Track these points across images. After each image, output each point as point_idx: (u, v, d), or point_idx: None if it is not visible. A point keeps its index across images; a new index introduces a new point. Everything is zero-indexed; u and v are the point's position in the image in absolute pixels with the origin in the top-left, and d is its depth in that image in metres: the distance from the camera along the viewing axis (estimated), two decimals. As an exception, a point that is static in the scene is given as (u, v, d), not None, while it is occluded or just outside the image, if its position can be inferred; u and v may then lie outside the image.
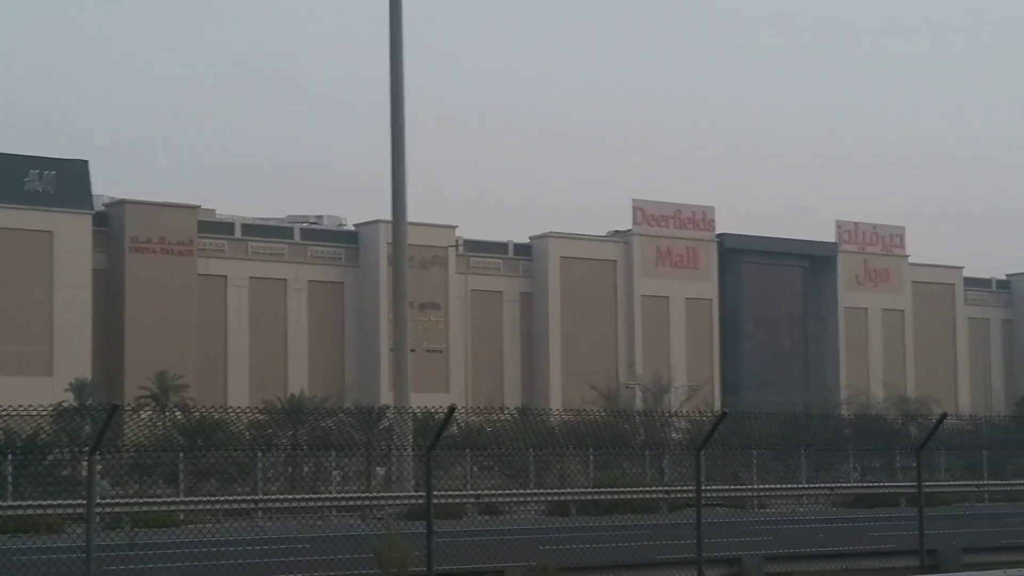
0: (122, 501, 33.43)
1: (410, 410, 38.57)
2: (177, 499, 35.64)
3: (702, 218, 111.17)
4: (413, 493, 35.86)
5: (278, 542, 26.96)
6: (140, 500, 34.07)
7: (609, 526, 35.72)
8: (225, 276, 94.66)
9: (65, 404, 58.91)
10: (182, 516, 35.76)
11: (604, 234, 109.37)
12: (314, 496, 38.53)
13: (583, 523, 38.24)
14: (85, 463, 18.95)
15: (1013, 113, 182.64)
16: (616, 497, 40.93)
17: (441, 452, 26.14)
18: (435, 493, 20.40)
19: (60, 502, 31.15)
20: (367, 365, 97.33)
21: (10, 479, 33.36)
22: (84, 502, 19.28)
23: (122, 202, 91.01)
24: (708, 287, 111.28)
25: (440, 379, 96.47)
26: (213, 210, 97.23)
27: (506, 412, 29.13)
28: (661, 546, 27.26)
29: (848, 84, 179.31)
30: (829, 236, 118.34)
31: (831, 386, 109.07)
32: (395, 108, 45.97)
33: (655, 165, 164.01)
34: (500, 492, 40.81)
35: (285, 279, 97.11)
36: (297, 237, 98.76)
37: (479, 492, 39.25)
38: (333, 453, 41.59)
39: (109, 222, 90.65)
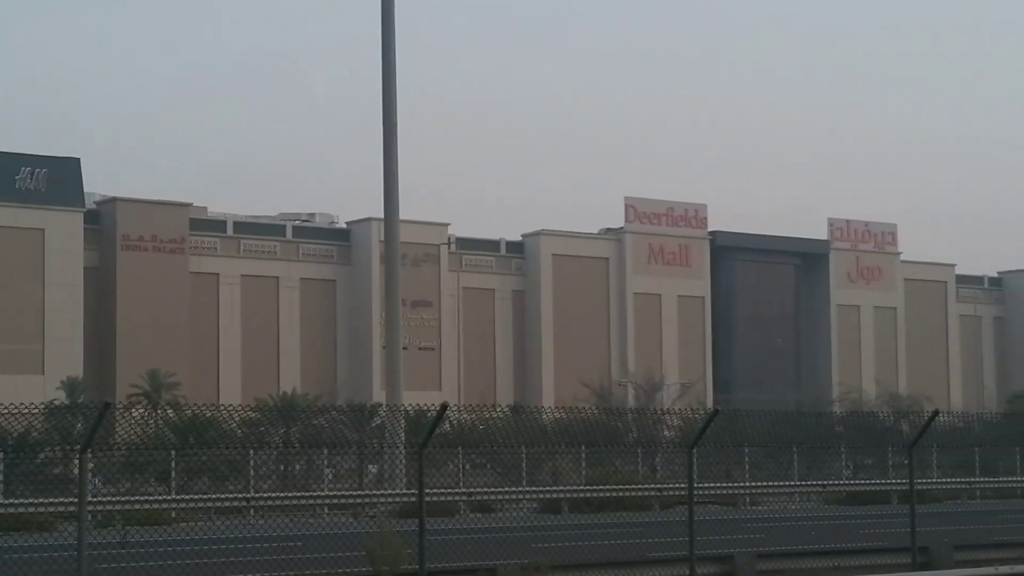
0: (114, 499, 33.42)
1: (402, 408, 38.62)
2: (169, 497, 35.63)
3: (694, 216, 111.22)
4: (405, 491, 35.83)
5: (270, 540, 26.91)
6: (132, 498, 34.07)
7: (601, 524, 35.72)
8: (217, 274, 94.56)
9: (57, 402, 58.82)
10: (174, 514, 35.72)
11: (596, 232, 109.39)
12: (306, 494, 38.55)
13: (575, 521, 38.24)
14: (77, 461, 18.91)
15: (1005, 112, 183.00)
16: (608, 495, 40.97)
17: (433, 450, 26.13)
18: (427, 491, 20.39)
19: (52, 500, 31.12)
20: (359, 363, 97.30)
21: (1, 477, 33.28)
22: (76, 500, 19.25)
23: (114, 200, 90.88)
24: (700, 285, 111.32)
25: (432, 377, 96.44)
26: (205, 208, 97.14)
27: (498, 410, 29.15)
28: (653, 544, 27.25)
29: (840, 83, 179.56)
30: (821, 234, 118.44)
31: (823, 384, 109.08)
32: (387, 106, 45.94)
33: (647, 163, 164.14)
34: (492, 490, 40.85)
35: (277, 277, 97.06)
36: (289, 235, 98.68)
37: (471, 490, 39.30)
38: (325, 451, 41.56)
39: (101, 220, 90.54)
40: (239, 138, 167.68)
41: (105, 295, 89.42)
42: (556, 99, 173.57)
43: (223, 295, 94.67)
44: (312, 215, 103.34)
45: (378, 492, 37.47)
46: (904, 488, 40.60)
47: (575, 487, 41.92)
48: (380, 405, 50.43)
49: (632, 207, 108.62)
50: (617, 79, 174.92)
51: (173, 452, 38.16)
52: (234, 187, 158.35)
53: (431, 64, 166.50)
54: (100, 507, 32.48)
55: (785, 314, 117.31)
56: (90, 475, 31.85)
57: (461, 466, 41.33)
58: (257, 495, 36.35)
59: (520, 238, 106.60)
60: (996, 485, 50.61)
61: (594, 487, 41.61)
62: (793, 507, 45.91)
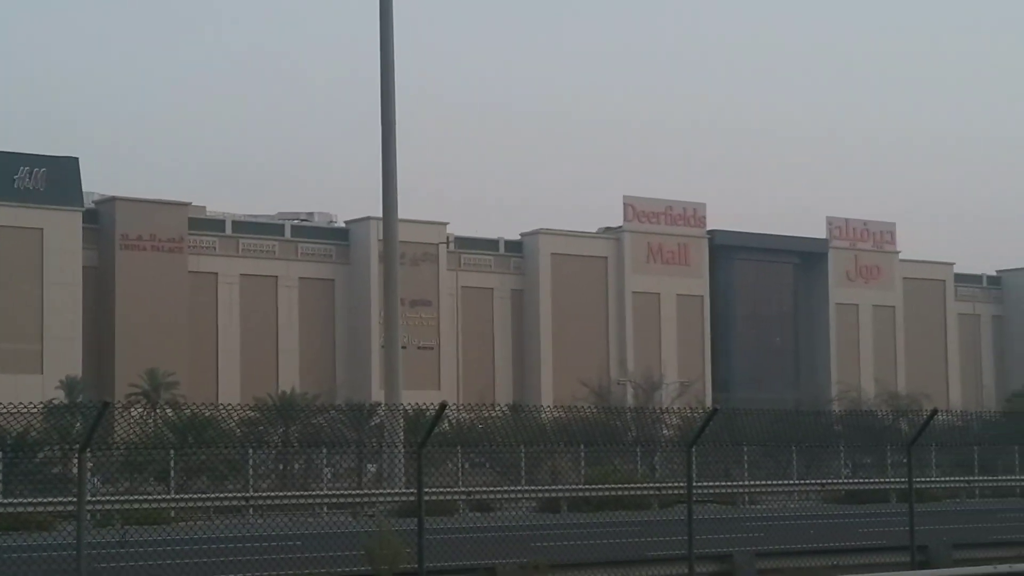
0: (113, 499, 33.41)
1: (401, 407, 38.62)
2: (168, 496, 35.64)
3: (693, 215, 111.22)
4: (404, 490, 35.83)
5: (269, 539, 26.92)
6: (131, 497, 34.06)
7: (600, 523, 35.71)
8: (216, 273, 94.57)
9: (56, 401, 58.78)
10: (173, 513, 35.73)
11: (595, 231, 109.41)
12: (305, 493, 38.54)
13: (574, 520, 38.26)
14: (76, 460, 18.91)
15: (1004, 111, 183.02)
16: (607, 494, 40.98)
17: (432, 449, 26.13)
18: (426, 490, 20.39)
19: (51, 499, 31.12)
20: (358, 362, 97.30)
21: (0, 477, 33.28)
22: (75, 499, 19.25)
23: (112, 199, 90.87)
24: (699, 284, 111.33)
25: (431, 376, 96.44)
26: (204, 207, 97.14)
27: (497, 409, 29.21)
28: (652, 543, 27.25)
29: (839, 82, 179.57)
30: (820, 233, 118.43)
31: (822, 382, 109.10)
32: (386, 105, 45.95)
33: (646, 162, 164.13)
34: (491, 489, 40.86)
35: (276, 276, 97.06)
36: (288, 234, 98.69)
37: (470, 489, 39.30)
38: (324, 450, 41.55)
39: (99, 219, 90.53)
40: (238, 137, 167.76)
41: (104, 294, 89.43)
42: (555, 98, 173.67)
43: (222, 294, 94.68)
44: (311, 214, 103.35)
45: (377, 491, 37.47)
46: (903, 487, 40.63)
47: (574, 486, 41.94)
48: (379, 404, 50.42)
49: (631, 206, 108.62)
50: (616, 79, 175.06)
51: (172, 451, 38.15)
52: (233, 186, 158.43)
53: (430, 63, 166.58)
54: (99, 506, 32.46)
55: (784, 313, 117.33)
56: (89, 474, 31.86)
57: (460, 465, 41.34)
58: (256, 494, 36.35)
59: (519, 237, 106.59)
60: (995, 484, 50.64)
61: (593, 486, 41.62)
62: (792, 506, 45.93)
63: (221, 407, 24.28)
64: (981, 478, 50.20)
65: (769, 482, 44.97)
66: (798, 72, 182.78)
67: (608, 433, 41.10)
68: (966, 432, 45.97)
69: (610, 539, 30.37)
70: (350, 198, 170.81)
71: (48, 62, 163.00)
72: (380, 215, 48.28)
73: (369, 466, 45.40)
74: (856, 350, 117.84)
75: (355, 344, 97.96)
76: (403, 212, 49.09)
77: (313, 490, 39.97)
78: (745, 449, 42.47)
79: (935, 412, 25.69)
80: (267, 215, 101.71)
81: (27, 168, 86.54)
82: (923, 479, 44.66)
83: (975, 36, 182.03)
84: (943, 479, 48.81)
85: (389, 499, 36.08)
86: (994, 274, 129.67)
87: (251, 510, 36.25)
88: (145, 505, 34.14)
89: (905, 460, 26.67)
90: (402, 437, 38.40)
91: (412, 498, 26.04)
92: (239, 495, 35.79)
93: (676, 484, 39.56)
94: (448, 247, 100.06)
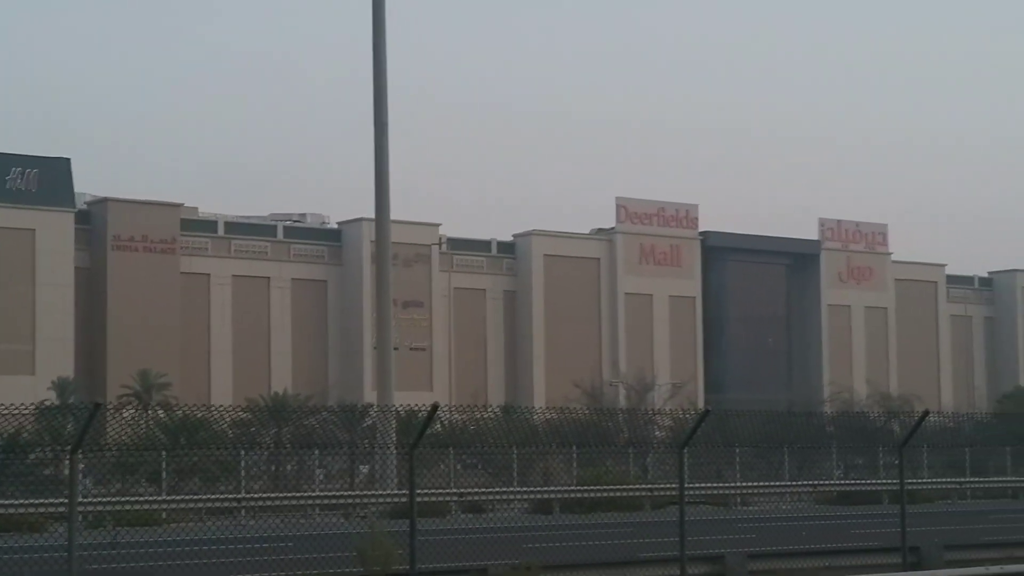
0: (104, 500, 33.38)
1: (393, 408, 38.56)
2: (160, 498, 35.59)
3: (685, 216, 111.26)
4: (396, 491, 35.85)
5: (261, 541, 26.89)
6: (123, 499, 34.01)
7: (592, 524, 35.73)
8: (208, 274, 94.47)
9: (47, 402, 58.80)
10: (165, 515, 35.71)
11: (588, 232, 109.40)
12: (297, 495, 38.51)
13: (566, 521, 38.27)
14: (67, 462, 18.89)
15: (997, 113, 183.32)
16: (600, 495, 40.99)
17: (424, 450, 26.13)
18: (418, 491, 20.40)
19: (42, 501, 31.06)
20: (350, 363, 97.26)
21: (-8, 478, 33.21)
22: (66, 501, 19.23)
23: (104, 200, 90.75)
24: (691, 285, 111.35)
25: (423, 377, 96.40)
26: (196, 208, 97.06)
27: (489, 410, 29.15)
28: (644, 544, 27.27)
29: (832, 84, 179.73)
30: (812, 234, 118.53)
31: (814, 384, 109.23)
32: (378, 106, 45.96)
33: (639, 163, 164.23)
34: (483, 490, 40.85)
35: (268, 277, 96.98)
36: (280, 235, 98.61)
37: (462, 490, 39.26)
38: (316, 451, 41.54)
39: (91, 220, 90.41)
40: (230, 138, 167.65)
41: (96, 295, 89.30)
42: (547, 100, 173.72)
43: (214, 295, 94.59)
44: (303, 215, 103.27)
45: (369, 492, 37.49)
46: (895, 488, 40.58)
47: (566, 487, 41.94)
48: (371, 405, 50.45)
49: (623, 207, 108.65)
50: (609, 80, 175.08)
51: (164, 453, 38.14)
52: (225, 187, 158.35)
53: (423, 65, 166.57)
54: (91, 508, 32.44)
55: (776, 314, 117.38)
56: (81, 476, 31.84)
57: (452, 466, 41.34)
58: (248, 496, 36.31)
59: (511, 238, 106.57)
60: (986, 485, 50.72)
61: (585, 487, 41.63)
62: (784, 507, 45.93)
63: (213, 408, 24.27)
64: (973, 479, 50.26)
65: (761, 483, 44.98)
66: (790, 74, 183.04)
67: (600, 434, 41.13)
68: (958, 433, 46.04)
69: (602, 540, 30.37)
70: (342, 199, 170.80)
71: (40, 63, 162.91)
72: (372, 216, 48.30)
73: (361, 467, 45.40)
74: (848, 351, 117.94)
75: (347, 345, 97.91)
76: (395, 213, 49.09)
77: (305, 491, 39.95)
78: (737, 450, 42.49)
79: (927, 413, 25.71)
80: (259, 216, 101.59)
81: (19, 169, 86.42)
82: (915, 480, 44.67)
83: (969, 38, 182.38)
84: (935, 480, 48.85)
85: (381, 500, 36.07)
86: (986, 276, 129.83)
87: (243, 511, 36.22)
88: (137, 506, 34.10)
89: (897, 461, 26.67)
90: (394, 438, 38.32)
91: (404, 499, 26.05)
92: (231, 496, 35.75)
93: (668, 485, 39.57)
94: (440, 248, 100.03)
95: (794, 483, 45.68)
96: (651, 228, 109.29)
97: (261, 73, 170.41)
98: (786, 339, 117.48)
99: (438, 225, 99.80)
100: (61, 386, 78.98)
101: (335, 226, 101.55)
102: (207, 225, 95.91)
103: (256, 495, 36.78)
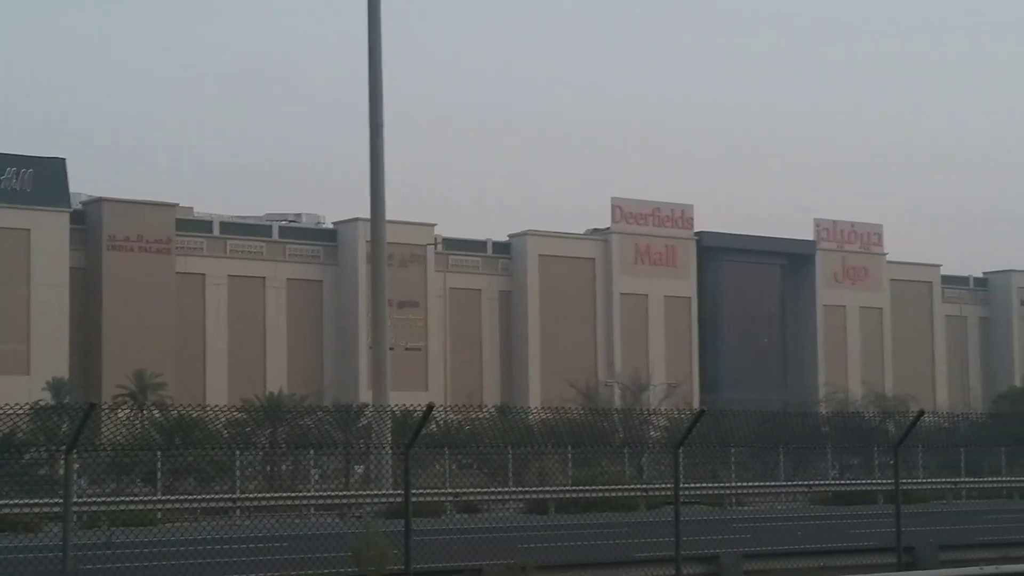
0: (100, 500, 33.35)
1: (389, 408, 38.59)
2: (155, 498, 35.58)
3: (681, 216, 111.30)
4: (391, 491, 35.81)
5: (256, 541, 26.89)
6: (118, 499, 33.99)
7: (588, 524, 35.75)
8: (203, 274, 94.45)
9: (42, 403, 58.64)
10: (160, 515, 35.69)
11: (583, 232, 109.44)
12: (293, 495, 38.50)
13: (562, 521, 38.27)
14: (62, 462, 18.87)
15: (992, 113, 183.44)
16: (595, 495, 41.01)
17: (420, 450, 26.12)
18: (413, 491, 20.38)
19: (37, 501, 31.04)
20: (346, 363, 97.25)
21: (-13, 478, 33.19)
22: (61, 501, 19.22)
23: (99, 200, 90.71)
24: (687, 285, 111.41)
25: (419, 377, 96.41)
26: (191, 208, 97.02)
27: (485, 410, 29.21)
28: (640, 544, 27.27)
29: (827, 85, 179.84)
30: (807, 234, 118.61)
31: (809, 384, 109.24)
32: (374, 106, 45.91)
33: (634, 163, 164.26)
34: (479, 490, 40.87)
35: (264, 277, 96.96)
36: (276, 235, 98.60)
37: (458, 490, 39.30)
38: (312, 451, 41.54)
39: (86, 220, 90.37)
40: (225, 138, 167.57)
41: (91, 295, 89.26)
42: (542, 100, 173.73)
43: (209, 295, 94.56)
44: (299, 215, 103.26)
45: (364, 493, 37.45)
46: (890, 488, 40.69)
47: (562, 487, 41.94)
48: (366, 405, 50.40)
49: (618, 207, 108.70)
50: (604, 80, 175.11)
51: (159, 453, 38.11)
52: (220, 187, 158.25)
53: (418, 66, 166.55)
54: (86, 508, 32.41)
55: (771, 314, 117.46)
56: (76, 476, 31.77)
57: (448, 467, 41.35)
58: (243, 496, 36.31)
59: (507, 238, 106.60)
60: (981, 485, 50.75)
61: (581, 487, 41.64)
62: (779, 507, 45.97)
63: (208, 408, 24.26)
64: (968, 479, 50.30)
65: (756, 483, 45.02)
66: (785, 75, 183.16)
67: (596, 434, 41.14)
68: (953, 434, 46.06)
69: (597, 540, 30.39)
70: (338, 199, 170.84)
71: (35, 63, 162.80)
72: (368, 216, 48.24)
73: (356, 467, 45.39)
74: (843, 351, 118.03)
75: (343, 345, 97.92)
76: (391, 213, 49.05)
77: (301, 491, 39.95)
78: (732, 450, 42.53)
79: (922, 413, 25.73)
80: (255, 216, 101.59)
81: (14, 169, 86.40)
82: (910, 480, 44.74)
83: (963, 39, 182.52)
84: (930, 480, 48.89)
85: (376, 500, 36.06)
86: (981, 276, 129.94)
87: (238, 511, 36.22)
88: (132, 506, 34.08)
89: (892, 461, 26.70)
90: (389, 438, 38.40)
91: (399, 499, 26.00)
92: (226, 496, 35.75)
93: (663, 485, 39.60)
94: (436, 248, 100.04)
95: (789, 483, 45.73)
96: (646, 228, 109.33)
97: (257, 73, 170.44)
98: (781, 339, 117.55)
99: (434, 225, 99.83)
100: (56, 386, 78.95)
101: (331, 226, 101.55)
102: (203, 225, 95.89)
103: (251, 495, 36.79)
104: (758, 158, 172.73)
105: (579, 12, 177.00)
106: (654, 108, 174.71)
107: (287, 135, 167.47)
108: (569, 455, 42.53)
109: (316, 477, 43.38)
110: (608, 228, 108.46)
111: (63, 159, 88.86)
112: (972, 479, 50.31)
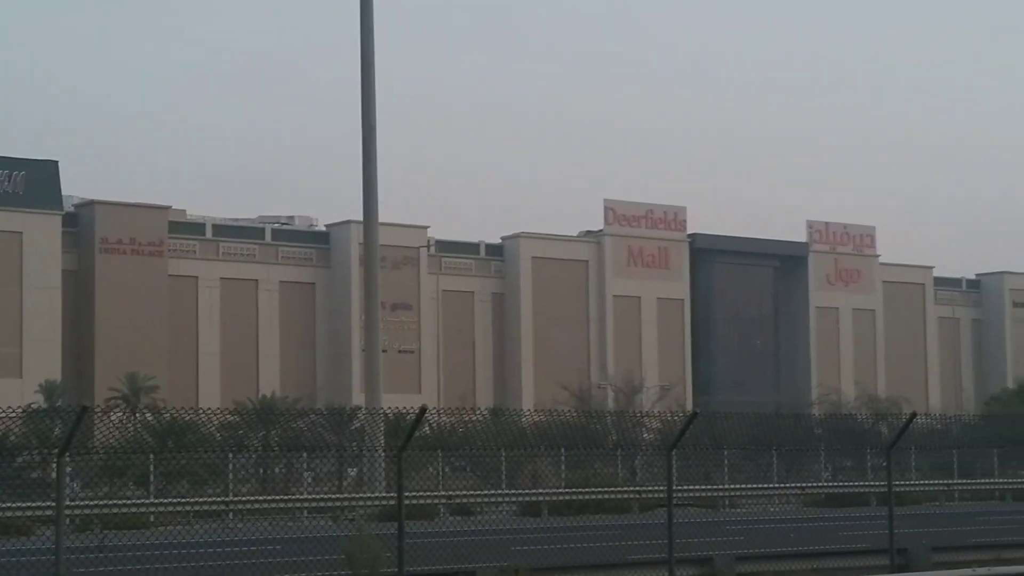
0: (92, 503, 33.28)
1: (382, 411, 38.56)
2: (148, 501, 35.52)
3: (674, 218, 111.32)
4: (384, 494, 35.80)
5: (249, 544, 26.87)
6: (110, 502, 33.92)
7: (581, 526, 35.74)
8: (196, 277, 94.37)
9: (35, 406, 58.56)
10: (153, 518, 35.63)
11: (576, 234, 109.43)
12: (285, 497, 38.44)
13: (555, 523, 38.26)
14: (55, 465, 18.85)
15: (984, 116, 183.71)
16: (588, 497, 40.96)
17: (413, 453, 26.13)
18: (406, 494, 20.40)
19: (29, 504, 30.98)
20: (338, 366, 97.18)
21: (-21, 481, 33.13)
22: (53, 504, 19.19)
23: (92, 203, 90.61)
24: (680, 287, 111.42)
25: (412, 380, 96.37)
26: (184, 210, 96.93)
27: (478, 413, 29.17)
28: (633, 546, 27.28)
29: (820, 87, 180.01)
30: (800, 236, 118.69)
31: (802, 386, 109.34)
32: (366, 108, 45.90)
33: (627, 165, 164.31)
34: (472, 493, 40.81)
35: (256, 280, 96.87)
36: (268, 238, 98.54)
37: (451, 493, 39.23)
38: (305, 454, 41.51)
39: (79, 223, 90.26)
40: (218, 141, 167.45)
41: (83, 298, 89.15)
42: (535, 102, 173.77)
43: (202, 298, 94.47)
44: (291, 218, 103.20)
45: (357, 495, 37.44)
46: (883, 490, 40.62)
47: (555, 490, 41.88)
48: (359, 408, 50.35)
49: (611, 209, 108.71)
50: (597, 83, 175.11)
51: (152, 456, 38.06)
52: (213, 190, 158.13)
53: (411, 67, 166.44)
54: (78, 511, 32.35)
55: (764, 316, 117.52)
56: (68, 479, 31.76)
57: (441, 469, 41.32)
58: (236, 499, 36.26)
59: (499, 241, 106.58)
60: (974, 487, 50.74)
61: (574, 490, 41.57)
62: (772, 509, 45.95)
63: (201, 411, 24.28)
64: (960, 481, 50.28)
65: (749, 486, 44.96)
66: (778, 76, 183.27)
67: (589, 437, 41.14)
68: (945, 435, 46.08)
69: (591, 543, 30.36)
70: (331, 202, 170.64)
71: (27, 65, 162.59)
72: (361, 219, 48.22)
73: (349, 470, 45.36)
74: (836, 353, 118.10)
75: (335, 348, 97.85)
76: (384, 216, 49.06)
77: (293, 494, 39.89)
78: (725, 452, 42.45)
79: (914, 415, 25.76)
80: (248, 219, 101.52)
81: (6, 171, 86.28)
82: (902, 482, 44.69)
83: (956, 41, 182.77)
84: (923, 482, 48.86)
85: (369, 503, 36.02)
86: (973, 278, 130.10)
87: (231, 514, 36.17)
88: (124, 510, 34.01)
89: (885, 463, 26.71)
90: (382, 441, 38.36)
91: (392, 502, 26.02)
92: (219, 499, 35.71)
93: (656, 488, 39.53)
94: (429, 250, 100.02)
95: (782, 485, 45.64)
96: (639, 230, 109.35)
97: (250, 75, 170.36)
98: (774, 341, 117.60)
99: (426, 227, 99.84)
100: (49, 389, 78.83)
101: (323, 228, 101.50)
102: (195, 227, 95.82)
103: (244, 498, 36.73)
104: (751, 160, 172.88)
105: (573, 15, 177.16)
106: (646, 110, 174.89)
107: (280, 137, 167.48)
108: (562, 457, 42.49)
109: (309, 480, 43.32)
110: (601, 230, 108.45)
111: (55, 162, 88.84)
112: (965, 481, 50.29)
